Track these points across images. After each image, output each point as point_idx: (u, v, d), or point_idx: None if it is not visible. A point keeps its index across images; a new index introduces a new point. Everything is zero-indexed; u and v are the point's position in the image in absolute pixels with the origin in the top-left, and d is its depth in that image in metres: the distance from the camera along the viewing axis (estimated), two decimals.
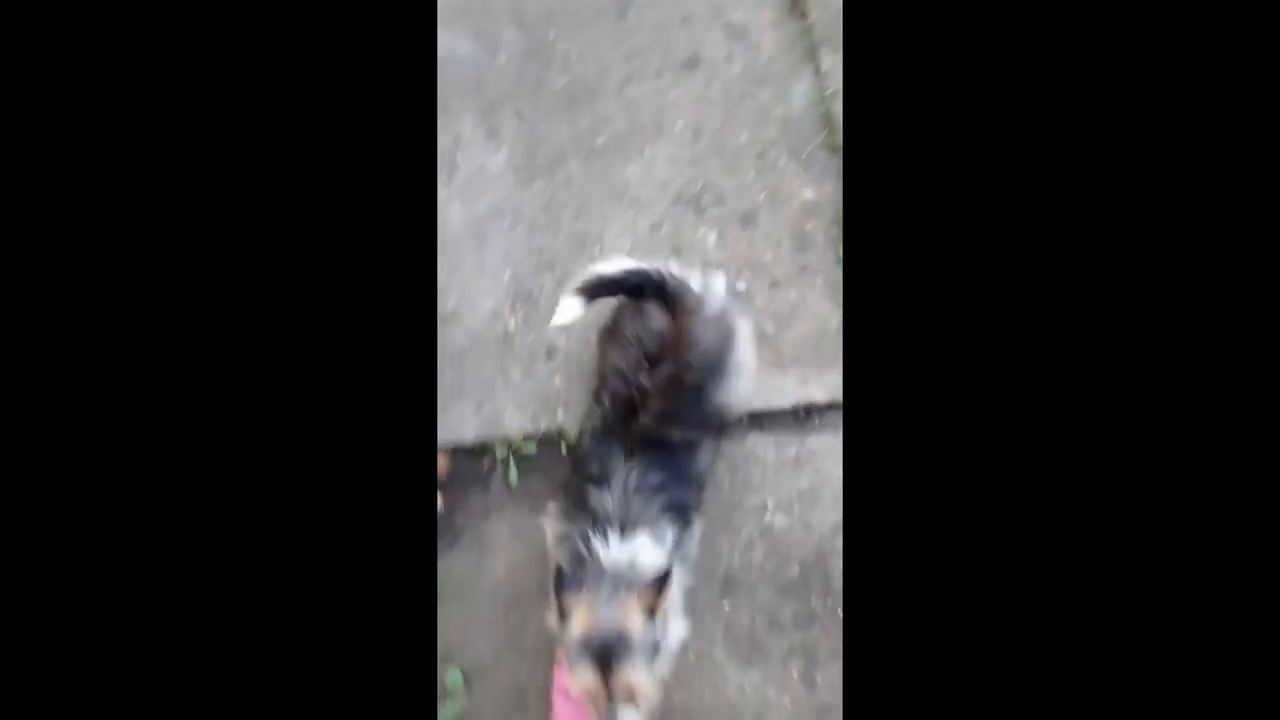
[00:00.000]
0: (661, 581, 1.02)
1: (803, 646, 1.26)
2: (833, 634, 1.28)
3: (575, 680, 1.02)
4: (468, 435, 1.45)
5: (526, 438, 1.44)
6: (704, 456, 1.21)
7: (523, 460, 1.44)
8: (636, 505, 1.11)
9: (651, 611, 1.02)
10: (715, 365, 1.16)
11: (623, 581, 1.04)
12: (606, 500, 1.12)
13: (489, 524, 1.42)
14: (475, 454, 1.45)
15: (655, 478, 1.13)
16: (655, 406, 1.13)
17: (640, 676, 1.00)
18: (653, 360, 1.14)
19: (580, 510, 1.15)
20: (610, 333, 1.24)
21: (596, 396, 1.22)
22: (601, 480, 1.14)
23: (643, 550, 1.09)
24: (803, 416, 1.42)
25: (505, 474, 1.43)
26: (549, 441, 1.44)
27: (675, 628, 1.09)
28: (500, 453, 1.44)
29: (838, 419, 1.41)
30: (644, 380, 1.14)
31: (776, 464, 1.40)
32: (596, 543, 1.09)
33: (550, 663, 1.26)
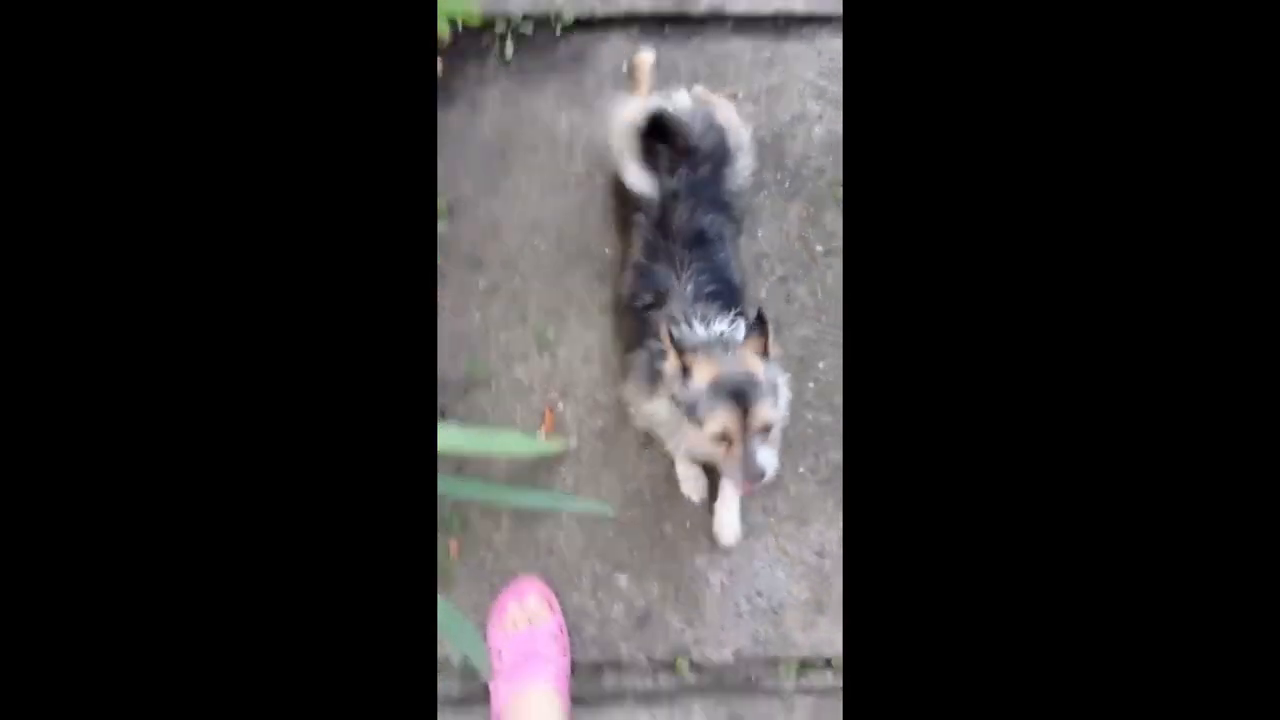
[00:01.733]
0: (761, 325, 1.06)
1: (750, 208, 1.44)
2: (778, 200, 1.46)
3: (709, 425, 1.04)
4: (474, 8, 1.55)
5: (526, 17, 1.55)
6: (734, 257, 1.26)
7: (520, 39, 1.55)
8: (701, 310, 1.15)
9: (764, 354, 1.07)
10: (719, 153, 1.24)
11: (720, 339, 1.09)
12: (673, 314, 1.15)
13: (483, 90, 1.54)
14: (476, 31, 1.57)
15: (707, 283, 1.17)
16: (687, 202, 1.19)
17: (771, 412, 1.04)
18: (672, 167, 1.21)
19: (651, 338, 1.15)
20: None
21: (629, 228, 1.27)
22: (659, 303, 1.18)
23: (725, 328, 1.13)
24: (781, 25, 1.53)
25: (501, 50, 1.55)
26: (544, 25, 1.55)
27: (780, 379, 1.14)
28: (500, 29, 1.55)
29: (814, 31, 1.52)
30: (672, 184, 1.21)
31: (751, 63, 1.53)
32: (682, 333, 1.11)
33: None
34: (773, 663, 1.28)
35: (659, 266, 1.20)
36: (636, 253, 1.24)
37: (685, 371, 1.05)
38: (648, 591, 1.32)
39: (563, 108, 1.53)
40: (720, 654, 1.29)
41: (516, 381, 1.41)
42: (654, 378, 1.13)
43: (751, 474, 1.04)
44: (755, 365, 1.05)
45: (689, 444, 1.13)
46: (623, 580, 1.32)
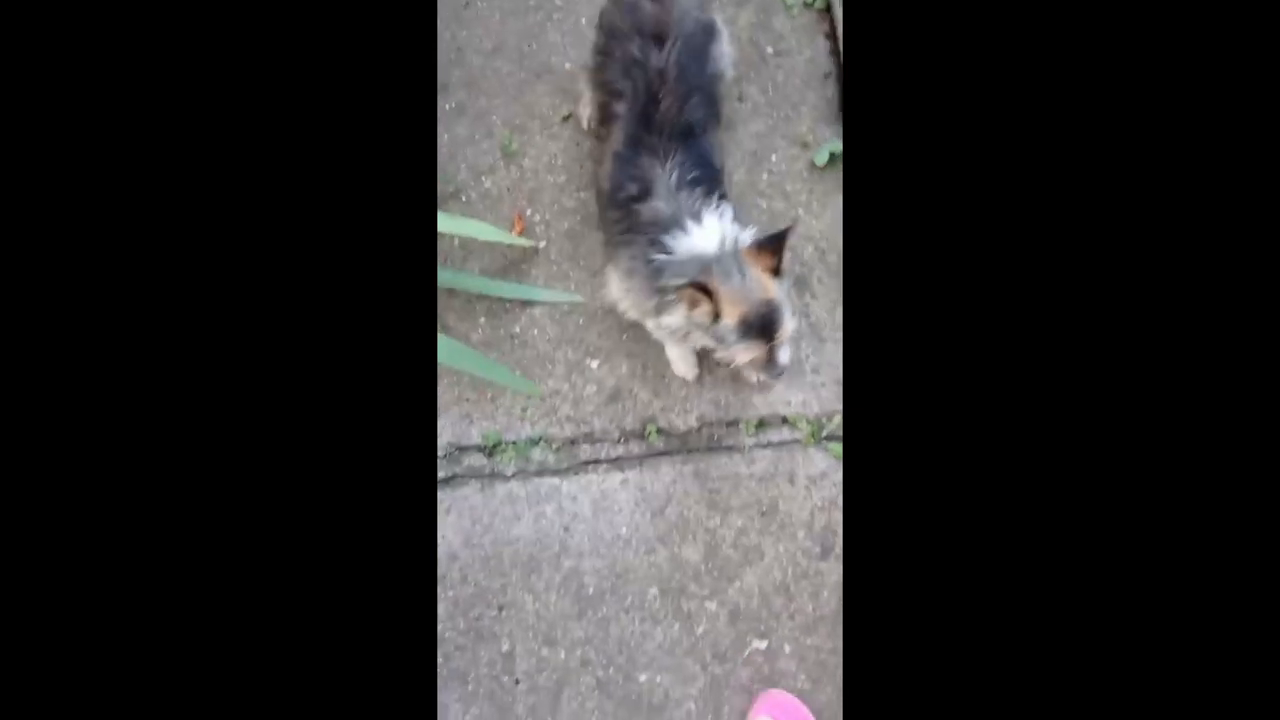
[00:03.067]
0: (778, 239, 1.07)
1: None
2: (730, 8, 1.52)
3: (741, 357, 1.10)
4: None
5: None
6: (717, 147, 1.25)
7: None
8: (686, 198, 1.14)
9: (777, 271, 1.08)
10: (701, 31, 1.21)
11: (732, 258, 1.08)
12: (659, 207, 1.14)
13: None
14: None
15: (691, 171, 1.16)
16: (673, 89, 1.15)
17: (791, 325, 1.10)
18: (658, 39, 1.17)
19: (636, 233, 1.16)
20: (608, 36, 1.23)
21: (605, 112, 1.23)
22: (644, 195, 1.16)
23: (720, 223, 1.12)
24: None
25: None
26: None
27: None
28: None
29: None
30: (656, 61, 1.16)
31: None
32: (673, 243, 1.11)
33: None
34: (733, 423, 1.38)
35: (642, 157, 1.17)
36: (617, 143, 1.19)
37: (717, 316, 1.07)
38: (617, 371, 1.41)
39: None
40: (685, 420, 1.39)
41: (486, 192, 1.49)
42: (654, 292, 1.14)
43: (775, 375, 1.16)
44: (773, 288, 1.08)
45: (703, 347, 1.18)
46: (594, 364, 1.42)
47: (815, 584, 1.32)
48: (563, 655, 1.31)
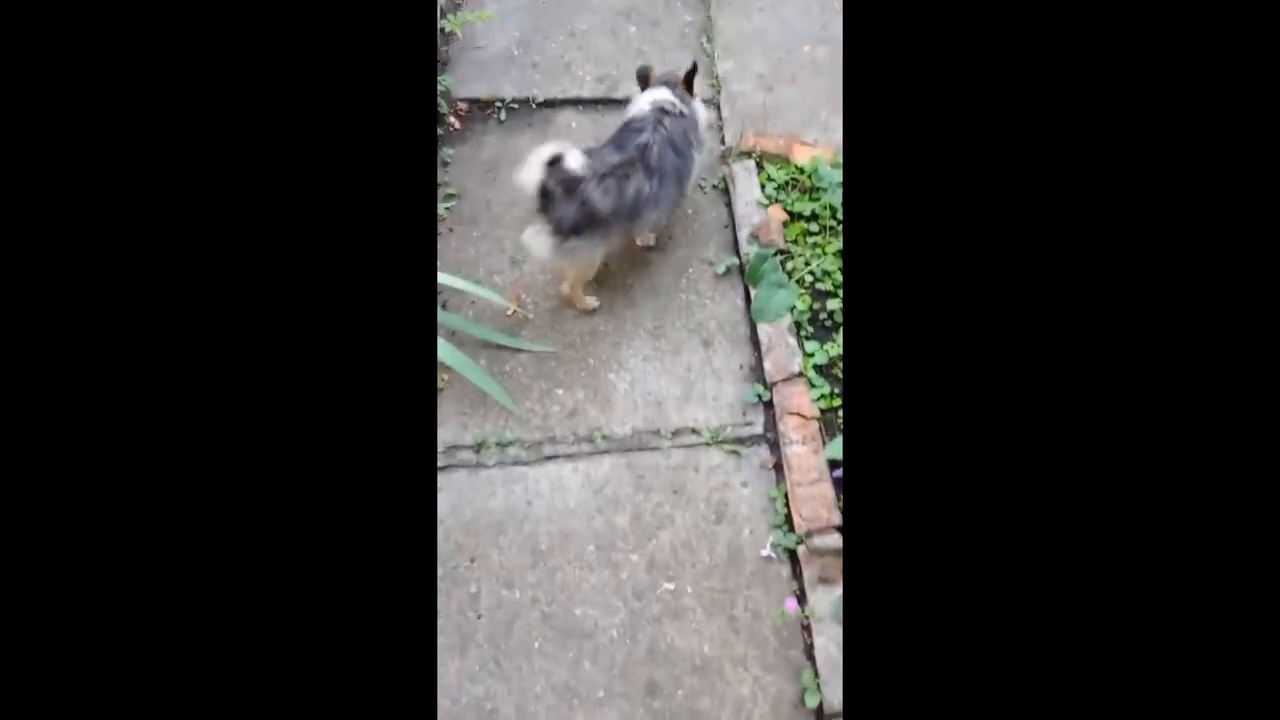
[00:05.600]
0: (690, 74, 2.05)
1: None
2: None
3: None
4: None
5: (513, 99, 2.55)
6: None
7: (510, 109, 2.53)
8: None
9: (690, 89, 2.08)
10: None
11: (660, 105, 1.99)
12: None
13: (486, 136, 2.49)
14: (484, 105, 2.55)
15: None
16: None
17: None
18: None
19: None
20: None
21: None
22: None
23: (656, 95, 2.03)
24: None
25: (498, 115, 2.52)
26: (525, 103, 2.55)
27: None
28: (497, 104, 2.54)
29: None
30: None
31: None
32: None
33: None
34: (656, 432, 1.90)
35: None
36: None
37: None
38: (575, 397, 1.96)
39: (533, 147, 2.47)
40: (623, 429, 1.91)
41: (496, 283, 2.16)
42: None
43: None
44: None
45: None
46: (559, 392, 1.97)
47: (711, 542, 1.74)
48: (518, 595, 1.68)
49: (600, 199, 1.86)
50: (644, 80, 2.12)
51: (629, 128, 2.01)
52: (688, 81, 2.08)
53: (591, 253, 1.96)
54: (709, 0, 2.82)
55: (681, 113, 2.03)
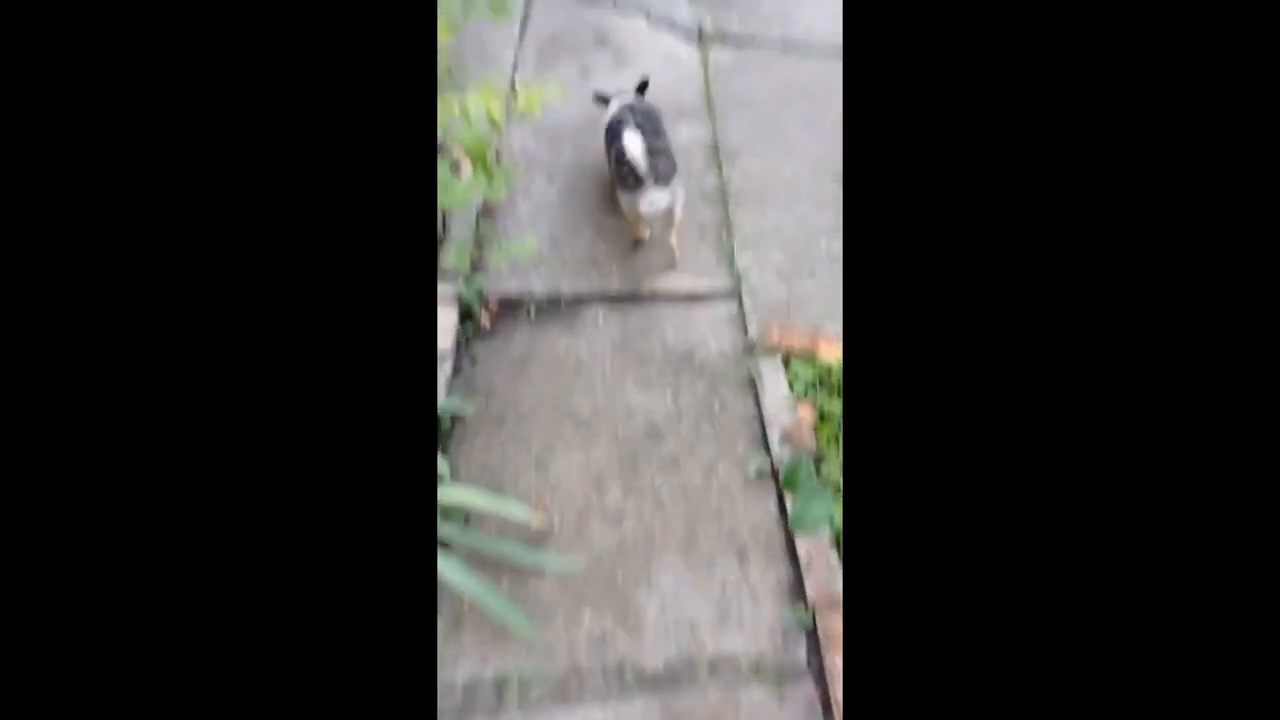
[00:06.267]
0: (641, 87, 2.77)
1: None
2: None
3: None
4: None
5: (544, 297, 2.64)
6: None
7: (539, 308, 2.62)
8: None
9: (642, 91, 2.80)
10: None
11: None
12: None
13: (516, 333, 2.55)
14: (513, 303, 2.64)
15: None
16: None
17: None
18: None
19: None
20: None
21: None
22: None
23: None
24: (690, 299, 2.60)
25: (529, 313, 2.60)
26: (554, 300, 2.63)
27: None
28: (528, 301, 2.62)
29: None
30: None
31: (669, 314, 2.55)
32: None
33: None
34: (690, 664, 1.74)
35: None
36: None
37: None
38: (604, 624, 1.83)
39: (562, 340, 2.52)
40: (654, 661, 1.76)
41: (522, 494, 2.11)
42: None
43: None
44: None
45: None
46: (586, 615, 1.85)
47: None
48: None
49: (667, 151, 2.54)
50: (604, 100, 2.80)
51: (611, 128, 2.61)
52: (640, 91, 2.80)
53: (680, 191, 2.55)
54: (727, 199, 2.98)
55: (641, 103, 2.74)
